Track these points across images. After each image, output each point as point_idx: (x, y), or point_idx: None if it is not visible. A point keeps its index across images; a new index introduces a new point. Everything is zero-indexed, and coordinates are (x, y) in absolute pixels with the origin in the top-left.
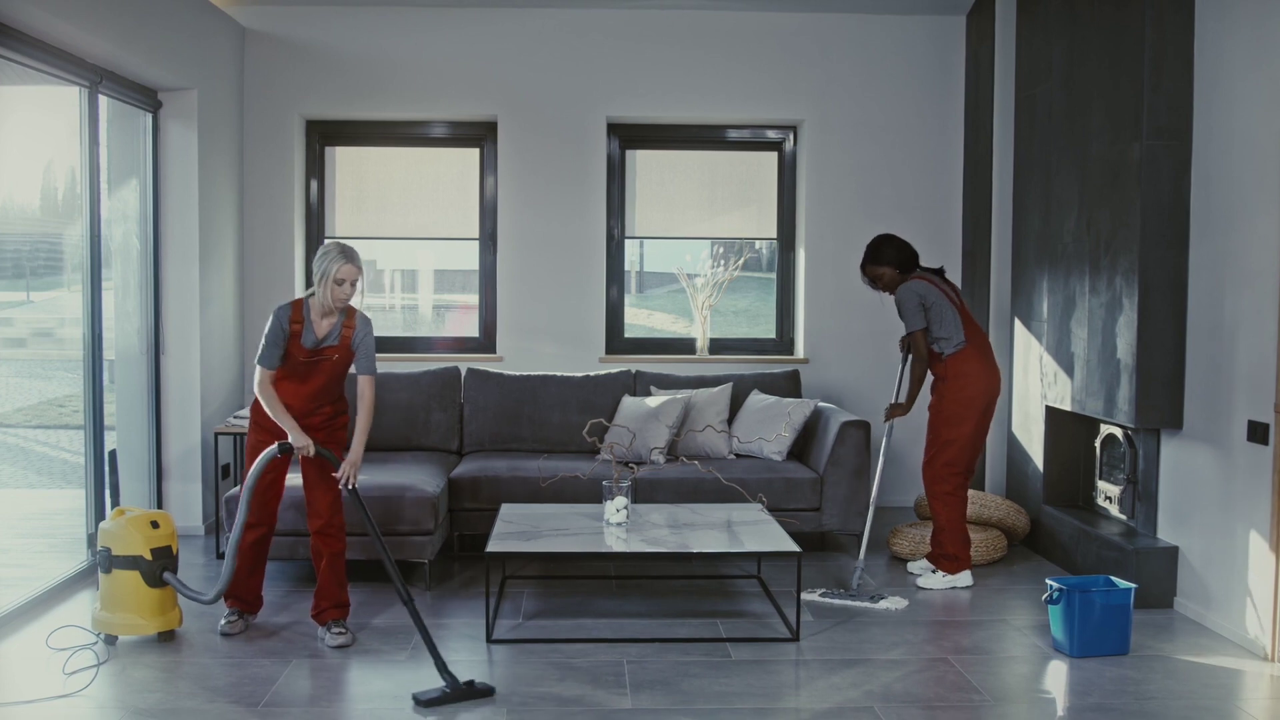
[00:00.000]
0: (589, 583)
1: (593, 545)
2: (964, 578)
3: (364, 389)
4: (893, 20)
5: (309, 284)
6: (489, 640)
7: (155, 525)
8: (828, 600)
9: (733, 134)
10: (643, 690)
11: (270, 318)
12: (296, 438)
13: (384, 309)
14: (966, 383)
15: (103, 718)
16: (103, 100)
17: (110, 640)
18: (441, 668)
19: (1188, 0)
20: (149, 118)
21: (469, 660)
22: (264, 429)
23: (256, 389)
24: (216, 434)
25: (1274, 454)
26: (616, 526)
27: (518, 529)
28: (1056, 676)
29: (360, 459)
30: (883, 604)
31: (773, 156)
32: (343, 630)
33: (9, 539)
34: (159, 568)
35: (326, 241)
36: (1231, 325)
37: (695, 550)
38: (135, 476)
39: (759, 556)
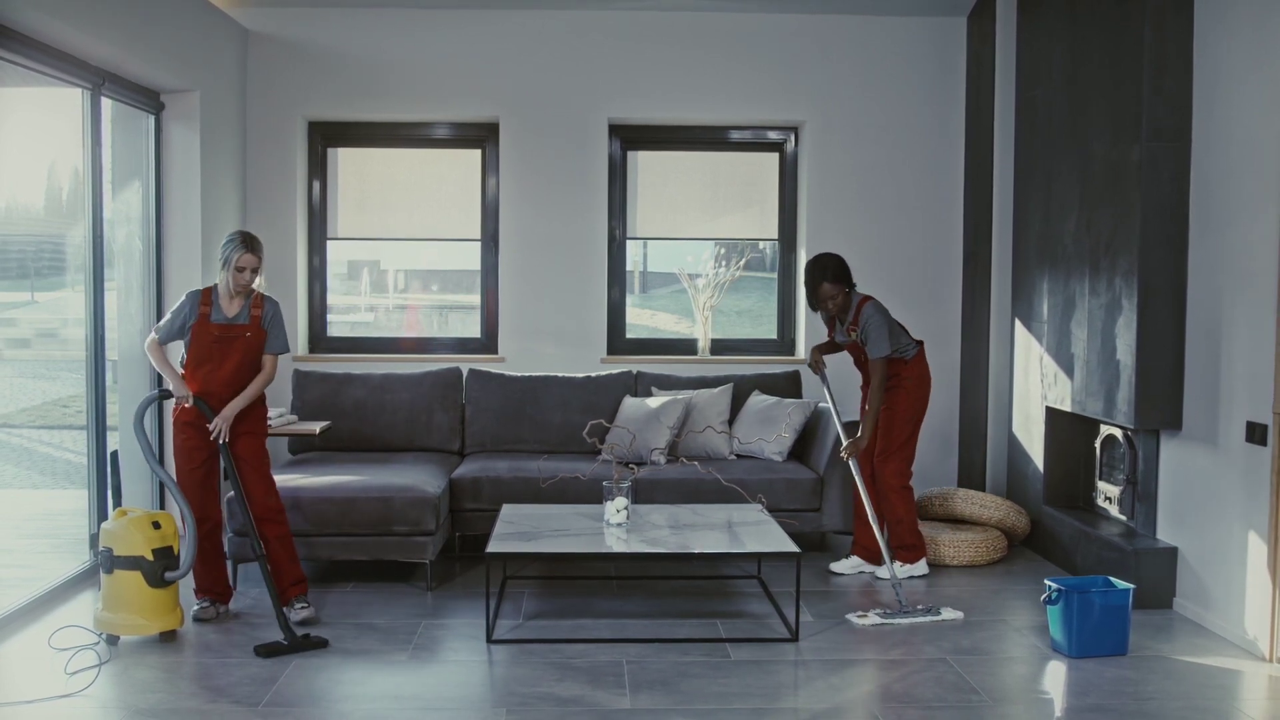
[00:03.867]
0: (589, 583)
1: (593, 546)
2: (921, 566)
3: (267, 363)
4: (894, 22)
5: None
6: (489, 640)
7: (157, 526)
8: (891, 621)
9: (734, 135)
10: (642, 690)
11: (182, 297)
12: (177, 387)
13: (386, 309)
14: (923, 383)
15: (105, 718)
16: (105, 102)
17: (112, 640)
18: (282, 623)
19: (1187, 2)
20: (151, 119)
21: (469, 660)
22: (187, 424)
23: (146, 347)
24: None
25: (1273, 455)
26: (617, 527)
27: (518, 529)
28: (1055, 677)
29: (233, 415)
30: (945, 614)
31: (774, 157)
32: (305, 604)
33: (12, 539)
34: (160, 568)
35: (232, 230)
36: (1230, 326)
37: (695, 551)
38: (137, 477)
39: (759, 557)
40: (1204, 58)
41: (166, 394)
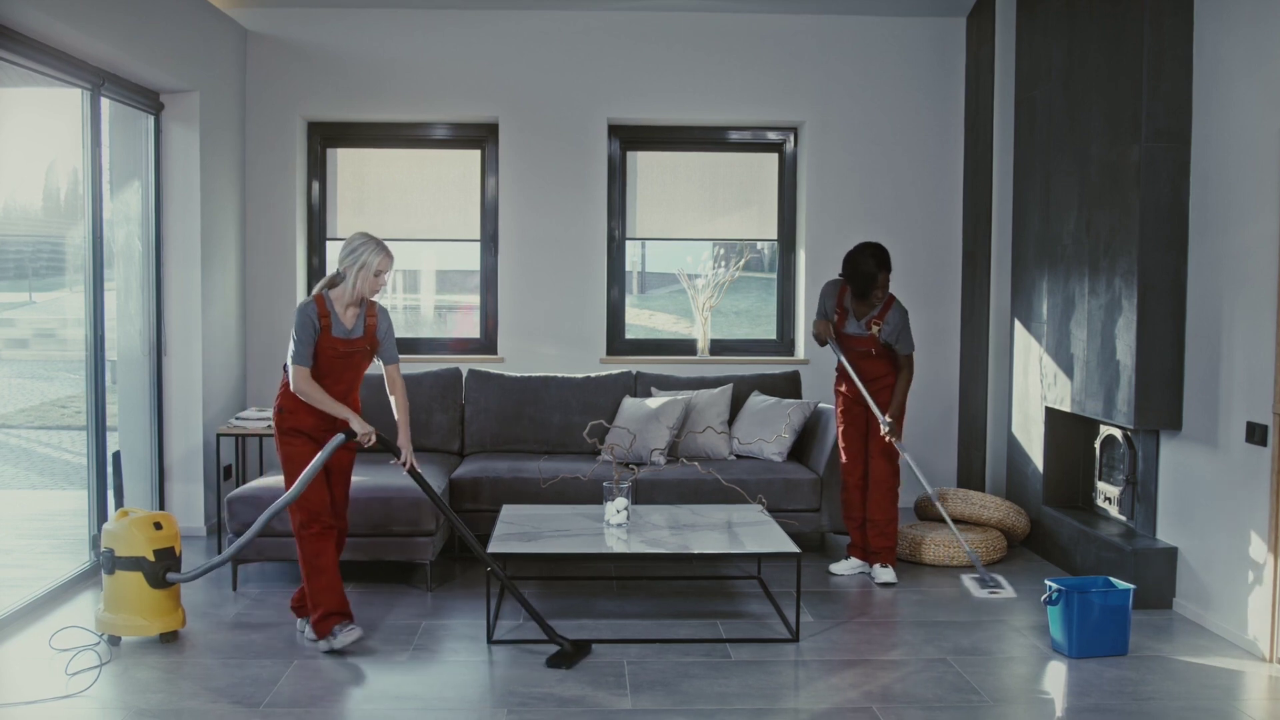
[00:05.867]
0: (589, 584)
1: (593, 546)
2: None
3: (395, 377)
4: (893, 22)
5: (336, 274)
6: (490, 641)
7: (158, 527)
8: (996, 594)
9: (733, 135)
10: (643, 691)
11: (296, 316)
12: (359, 425)
13: (388, 308)
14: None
15: (105, 718)
16: (105, 102)
17: (113, 641)
18: (549, 633)
19: (1186, 2)
20: (151, 120)
21: (469, 660)
22: (300, 434)
23: (299, 387)
24: (218, 435)
25: (1272, 455)
26: (617, 527)
27: (518, 530)
28: (1055, 677)
29: (409, 441)
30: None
31: (773, 158)
32: None
33: (12, 540)
34: (162, 569)
35: (356, 232)
36: (1230, 327)
37: (695, 551)
38: (137, 477)
39: (759, 557)
40: (1203, 57)
41: (351, 434)
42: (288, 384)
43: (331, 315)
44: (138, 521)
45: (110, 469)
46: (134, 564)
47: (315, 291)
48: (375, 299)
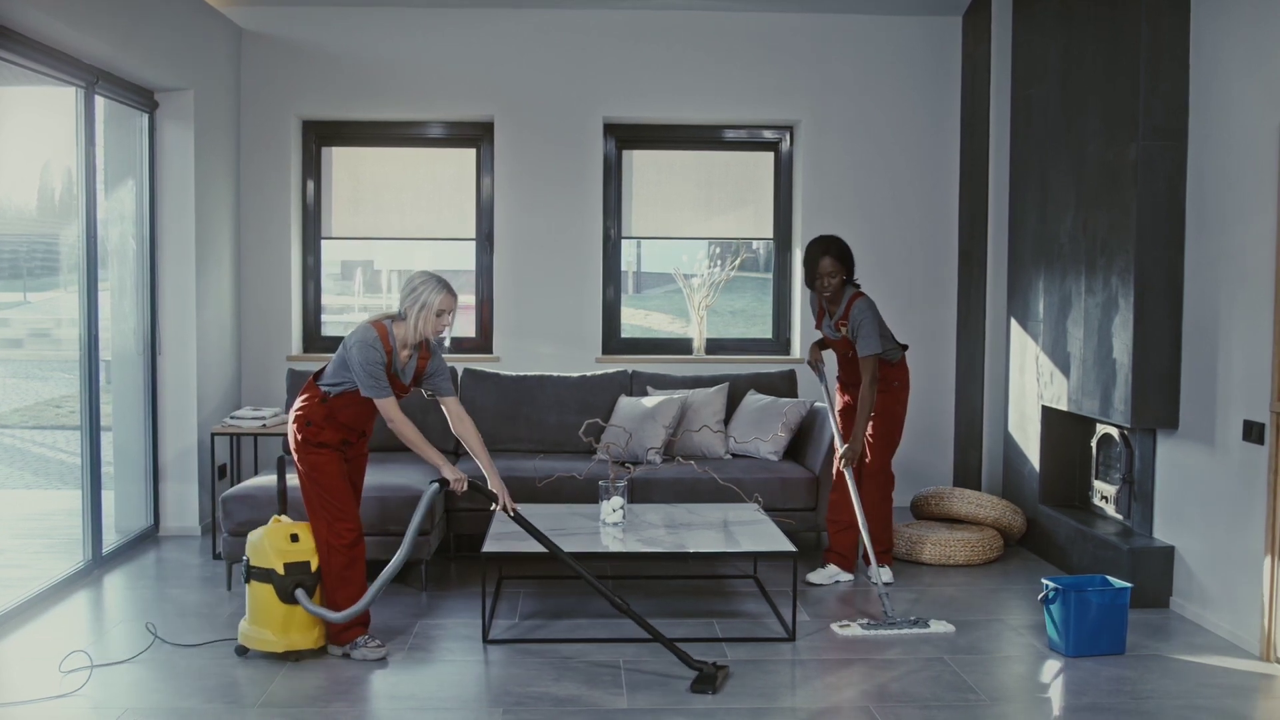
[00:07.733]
0: (586, 583)
1: (589, 545)
2: None
3: (459, 411)
4: (889, 21)
5: (397, 314)
6: (485, 640)
7: (294, 539)
8: (874, 632)
9: (729, 134)
10: (639, 690)
11: (358, 349)
12: (451, 472)
13: (383, 309)
14: (907, 383)
15: (100, 718)
16: (99, 101)
17: (241, 651)
18: (685, 660)
19: (1184, 1)
20: (145, 118)
21: (465, 660)
22: (326, 446)
23: (398, 426)
24: (213, 434)
25: (1269, 453)
26: (613, 526)
27: (514, 529)
28: (1052, 676)
29: (501, 481)
30: (935, 625)
31: (769, 157)
32: None
33: (6, 539)
34: (292, 584)
35: (416, 271)
36: (1227, 325)
37: (691, 550)
38: (131, 478)
39: (755, 556)
40: (1201, 56)
41: (445, 482)
42: (316, 395)
43: (394, 352)
44: (272, 532)
45: (275, 475)
46: (264, 576)
47: (375, 319)
48: (435, 339)
